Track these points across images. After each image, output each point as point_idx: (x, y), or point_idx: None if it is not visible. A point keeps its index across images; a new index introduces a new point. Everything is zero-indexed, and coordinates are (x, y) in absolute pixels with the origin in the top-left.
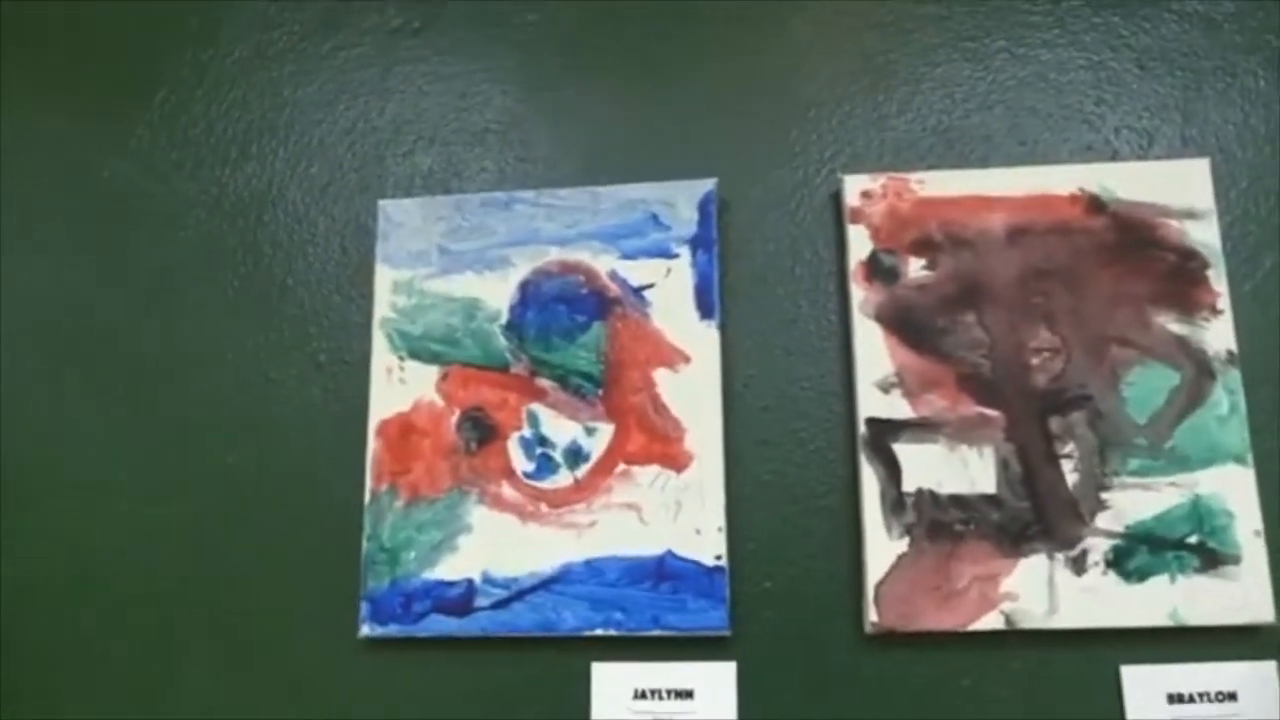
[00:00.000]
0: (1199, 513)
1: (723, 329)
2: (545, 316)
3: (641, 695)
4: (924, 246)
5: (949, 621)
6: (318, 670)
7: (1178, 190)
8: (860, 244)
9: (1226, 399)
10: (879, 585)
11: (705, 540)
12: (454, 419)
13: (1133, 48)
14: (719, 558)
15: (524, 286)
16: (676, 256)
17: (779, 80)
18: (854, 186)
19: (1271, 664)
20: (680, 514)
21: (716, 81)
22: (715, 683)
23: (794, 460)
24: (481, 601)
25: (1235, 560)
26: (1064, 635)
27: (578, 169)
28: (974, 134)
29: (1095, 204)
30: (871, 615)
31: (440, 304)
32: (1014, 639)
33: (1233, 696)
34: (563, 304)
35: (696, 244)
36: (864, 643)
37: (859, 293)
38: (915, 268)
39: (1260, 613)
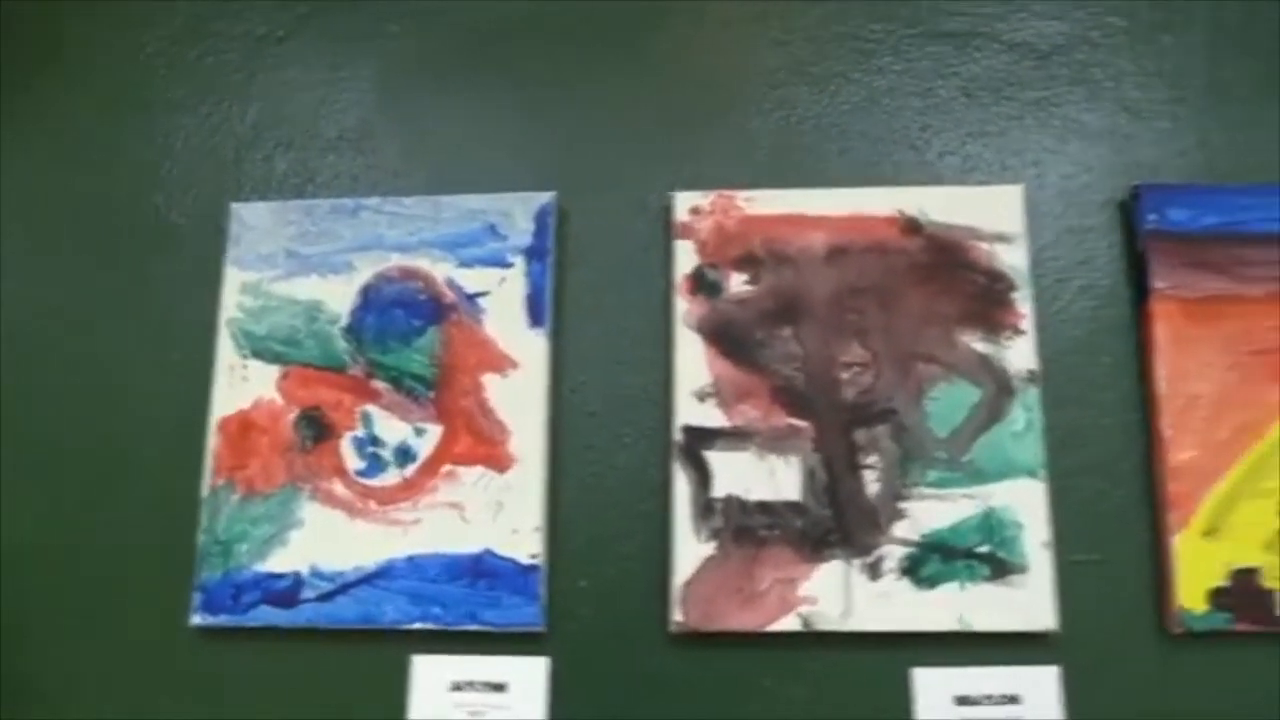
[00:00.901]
0: (991, 524)
1: (555, 336)
2: (383, 320)
3: (458, 687)
4: (747, 262)
5: (749, 622)
6: (149, 656)
7: (990, 214)
8: (686, 258)
9: (1023, 416)
10: (685, 586)
11: (522, 539)
12: (292, 417)
13: (961, 76)
14: (534, 556)
15: (365, 291)
16: (511, 266)
17: (623, 99)
18: (684, 203)
19: (1053, 669)
20: (501, 514)
21: (563, 98)
22: (528, 677)
23: (616, 465)
24: (308, 594)
25: (1022, 570)
26: (858, 638)
27: (426, 178)
28: (806, 155)
29: (912, 225)
30: (676, 615)
31: (285, 306)
32: (810, 640)
33: (1015, 699)
34: (400, 309)
35: (531, 254)
36: (669, 641)
37: (682, 305)
38: (737, 282)
39: (1043, 620)
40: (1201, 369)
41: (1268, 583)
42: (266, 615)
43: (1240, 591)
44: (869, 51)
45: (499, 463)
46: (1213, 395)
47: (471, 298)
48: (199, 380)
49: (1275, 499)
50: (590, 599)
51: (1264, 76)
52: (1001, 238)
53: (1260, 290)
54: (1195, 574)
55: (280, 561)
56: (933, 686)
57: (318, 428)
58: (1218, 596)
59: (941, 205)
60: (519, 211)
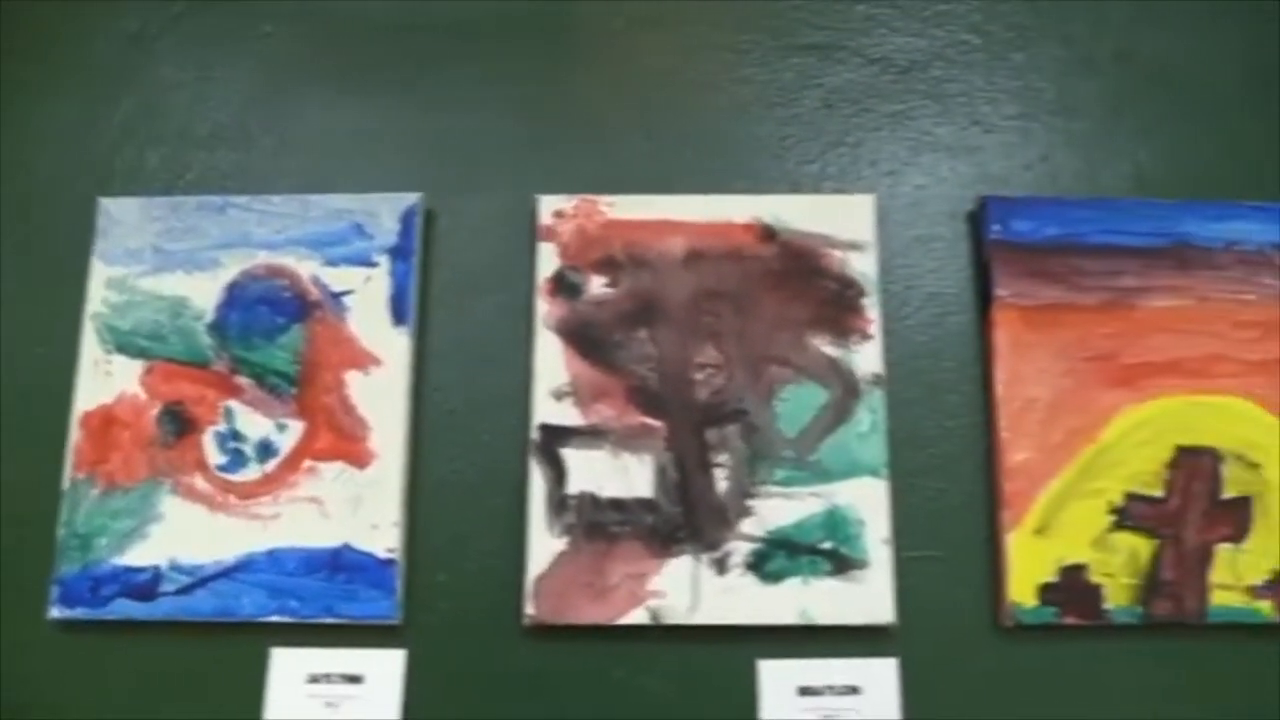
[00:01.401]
0: (834, 521)
1: (420, 335)
2: (248, 317)
3: (315, 679)
4: (607, 265)
5: (599, 616)
6: (6, 649)
7: (843, 223)
8: (548, 261)
9: (869, 417)
10: (537, 581)
11: (380, 534)
12: (154, 412)
13: (823, 86)
14: (391, 551)
15: (230, 288)
16: (376, 265)
17: (492, 103)
18: (548, 206)
19: (892, 660)
20: (359, 509)
21: (433, 101)
22: (385, 669)
23: (475, 462)
24: (167, 587)
25: (863, 565)
26: (706, 631)
27: (297, 177)
28: (670, 161)
29: (768, 232)
30: (528, 608)
31: (150, 301)
32: (659, 633)
33: (856, 690)
34: (265, 305)
35: (396, 254)
36: (522, 634)
37: (543, 306)
38: (597, 285)
39: (882, 614)
40: (1038, 374)
41: (1095, 578)
42: (125, 608)
43: (1068, 587)
44: (730, 62)
45: (359, 459)
46: (1048, 399)
47: (336, 296)
48: (63, 374)
49: (1104, 499)
50: (448, 593)
51: (1107, 94)
52: (853, 245)
53: (1095, 299)
54: (1027, 570)
55: (140, 555)
56: (777, 678)
57: (180, 423)
58: (1047, 592)
59: (797, 213)
60: (385, 211)
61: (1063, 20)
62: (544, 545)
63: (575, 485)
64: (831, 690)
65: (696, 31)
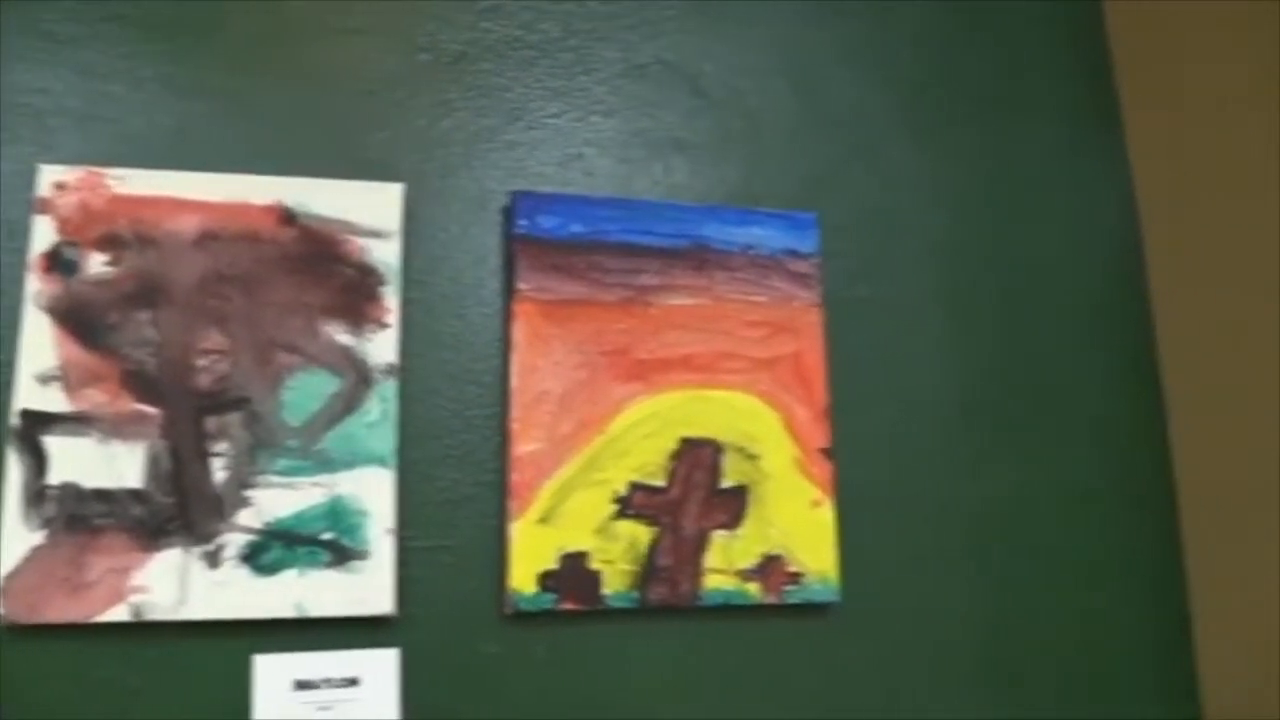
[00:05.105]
0: (336, 511)
1: None
2: None
3: None
4: (110, 243)
5: (75, 614)
6: None
7: (368, 210)
8: (44, 235)
9: (379, 406)
10: (9, 578)
11: None
12: None
13: (365, 73)
14: None
15: None
16: None
17: None
18: (48, 177)
19: (392, 651)
20: None
21: None
22: None
23: None
24: None
25: (364, 556)
26: (196, 626)
27: None
28: (194, 137)
29: (287, 216)
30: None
31: None
32: (143, 630)
33: (355, 681)
34: None
35: None
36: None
37: (35, 284)
38: (97, 263)
39: (382, 604)
40: (554, 367)
41: (594, 565)
42: None
43: (567, 574)
44: (271, 42)
45: None
46: (561, 392)
47: None
48: None
49: (609, 488)
50: None
51: (649, 99)
52: (376, 233)
53: (615, 296)
54: (528, 558)
55: None
56: (272, 672)
57: None
58: (547, 579)
59: (321, 198)
60: None
61: (614, 24)
62: (18, 540)
63: (57, 475)
64: (329, 683)
65: (233, 6)
